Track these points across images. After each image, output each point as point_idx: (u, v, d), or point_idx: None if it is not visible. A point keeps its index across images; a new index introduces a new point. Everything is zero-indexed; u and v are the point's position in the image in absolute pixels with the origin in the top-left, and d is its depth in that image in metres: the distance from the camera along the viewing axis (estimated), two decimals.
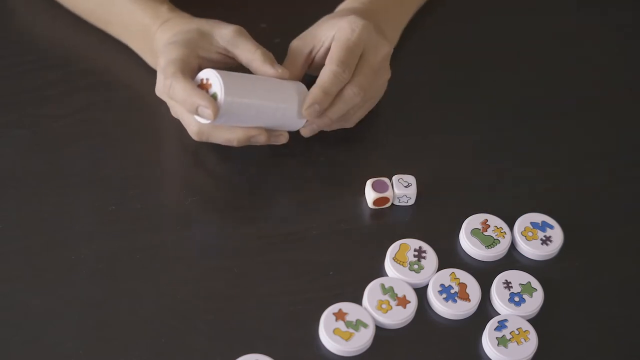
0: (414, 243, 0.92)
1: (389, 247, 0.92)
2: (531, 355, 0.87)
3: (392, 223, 0.95)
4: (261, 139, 0.92)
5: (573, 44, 1.13)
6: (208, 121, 0.88)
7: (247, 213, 0.95)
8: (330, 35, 0.95)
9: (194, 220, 0.94)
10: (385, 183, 0.95)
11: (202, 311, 0.87)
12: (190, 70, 0.91)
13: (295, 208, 0.95)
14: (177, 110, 0.94)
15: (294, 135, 0.99)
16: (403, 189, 0.95)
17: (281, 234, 0.93)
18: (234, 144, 0.92)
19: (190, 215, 0.94)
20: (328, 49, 0.95)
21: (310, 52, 0.97)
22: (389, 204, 0.96)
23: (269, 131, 0.93)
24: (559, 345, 0.88)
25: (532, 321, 0.89)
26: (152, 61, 1.01)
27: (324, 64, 0.94)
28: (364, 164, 0.98)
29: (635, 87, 1.10)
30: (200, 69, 0.91)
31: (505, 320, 0.88)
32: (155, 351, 0.85)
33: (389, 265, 0.91)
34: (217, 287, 0.89)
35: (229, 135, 0.91)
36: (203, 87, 0.89)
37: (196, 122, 0.91)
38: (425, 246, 0.92)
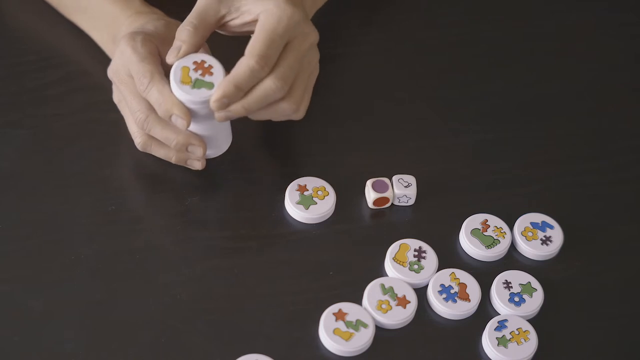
0: (414, 243, 0.92)
1: (389, 247, 0.92)
2: (531, 355, 0.87)
3: (392, 223, 0.95)
4: (198, 152, 0.90)
5: (573, 44, 1.13)
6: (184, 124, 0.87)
7: (247, 213, 0.95)
8: (253, 10, 0.89)
9: (193, 220, 0.94)
10: (385, 183, 0.95)
11: (202, 311, 0.87)
12: (161, 67, 0.89)
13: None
14: (124, 114, 0.93)
15: (295, 135, 1.00)
16: (403, 189, 0.95)
17: (281, 234, 0.93)
18: (172, 160, 0.92)
19: (190, 214, 0.94)
20: (244, 23, 0.90)
21: (225, 14, 0.90)
22: (389, 204, 0.96)
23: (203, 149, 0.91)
24: (559, 345, 0.88)
25: (532, 321, 0.89)
26: (113, 50, 0.97)
27: (234, 32, 0.91)
28: (364, 164, 0.98)
29: (635, 86, 1.10)
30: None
31: (505, 320, 0.88)
32: (155, 351, 0.85)
33: (389, 265, 0.91)
34: (217, 287, 0.89)
35: (169, 134, 0.89)
36: (200, 68, 0.87)
37: (140, 133, 0.91)
38: (425, 246, 0.92)
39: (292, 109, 0.90)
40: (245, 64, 0.86)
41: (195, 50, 0.89)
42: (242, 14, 0.90)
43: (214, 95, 0.87)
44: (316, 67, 0.94)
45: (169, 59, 0.89)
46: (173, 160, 0.92)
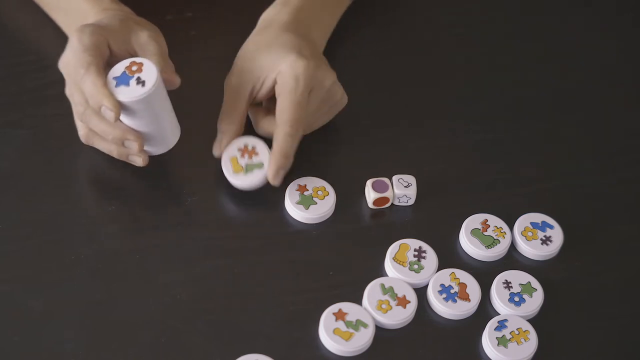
0: (414, 243, 0.92)
1: (389, 247, 0.92)
2: (531, 355, 0.87)
3: (392, 223, 0.95)
4: (134, 147, 0.90)
5: (573, 44, 1.13)
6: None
7: (247, 213, 0.95)
8: (270, 75, 0.94)
9: (194, 220, 0.94)
10: (385, 183, 0.95)
11: (202, 311, 0.87)
12: (103, 60, 0.90)
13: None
14: (73, 106, 0.93)
15: None
16: (403, 189, 0.95)
17: (281, 234, 0.93)
18: (114, 154, 0.92)
19: (190, 215, 0.94)
20: (270, 89, 0.94)
21: (252, 91, 0.95)
22: (389, 204, 0.96)
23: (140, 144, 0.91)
24: (559, 345, 0.88)
25: (532, 321, 0.89)
26: None
27: (262, 102, 0.96)
28: (364, 164, 0.98)
29: (635, 86, 1.10)
30: (109, 58, 0.91)
31: (505, 320, 0.88)
32: (155, 351, 0.85)
33: (389, 265, 0.91)
34: (217, 287, 0.89)
35: (106, 127, 0.90)
36: (245, 152, 0.92)
37: (82, 126, 0.92)
38: (425, 246, 0.92)
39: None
40: (283, 134, 0.91)
41: (236, 136, 0.94)
42: (263, 82, 0.94)
43: (270, 173, 0.92)
44: (341, 100, 0.98)
45: (215, 152, 0.94)
46: (115, 154, 0.92)
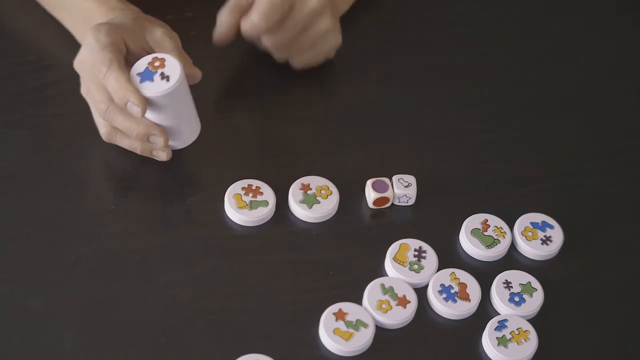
0: (414, 243, 0.92)
1: (389, 247, 0.92)
2: (531, 355, 0.87)
3: (392, 223, 0.95)
4: (159, 142, 0.91)
5: (573, 44, 1.13)
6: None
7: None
8: None
9: (194, 220, 0.94)
10: (385, 183, 0.95)
11: (202, 311, 0.87)
12: (122, 57, 0.90)
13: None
14: (91, 106, 0.93)
15: (295, 135, 1.00)
16: (403, 189, 0.95)
17: (281, 234, 0.93)
18: (138, 151, 0.93)
19: (190, 215, 0.94)
20: None
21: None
22: (389, 204, 0.96)
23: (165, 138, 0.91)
24: (559, 345, 0.88)
25: (532, 321, 0.89)
26: None
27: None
28: (364, 164, 0.98)
29: (635, 86, 1.10)
30: (127, 56, 0.92)
31: (505, 320, 0.88)
32: (155, 351, 0.85)
33: (389, 265, 0.91)
34: (217, 287, 0.89)
35: (130, 124, 0.90)
36: (249, 191, 0.94)
37: (104, 124, 0.92)
38: (425, 246, 0.92)
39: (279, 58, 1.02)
40: (252, 14, 0.96)
41: (233, 28, 0.98)
42: None
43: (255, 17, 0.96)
44: (328, 35, 1.00)
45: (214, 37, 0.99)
46: (138, 150, 0.93)
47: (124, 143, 0.93)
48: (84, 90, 0.94)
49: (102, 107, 0.91)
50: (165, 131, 0.91)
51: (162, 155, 0.93)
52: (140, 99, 0.87)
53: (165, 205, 0.95)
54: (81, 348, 0.85)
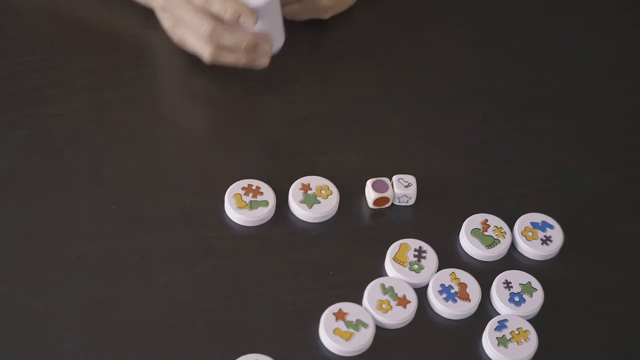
0: (414, 243, 0.92)
1: (389, 247, 0.92)
2: (531, 355, 0.87)
3: (392, 223, 0.95)
4: (267, 47, 0.97)
5: (573, 44, 1.13)
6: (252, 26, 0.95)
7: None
8: None
9: (194, 220, 0.94)
10: (385, 183, 0.95)
11: (202, 311, 0.87)
12: None
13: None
14: (183, 36, 0.97)
15: (295, 135, 1.00)
16: (403, 189, 0.95)
17: (281, 234, 0.93)
18: (241, 63, 0.97)
19: (190, 215, 0.94)
20: None
21: None
22: (389, 204, 0.96)
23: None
24: (559, 345, 0.88)
25: (532, 321, 0.89)
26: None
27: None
28: (364, 164, 0.98)
29: (635, 86, 1.10)
30: None
31: (505, 320, 0.88)
32: (155, 351, 0.85)
33: (389, 265, 0.91)
34: (217, 287, 0.89)
35: (239, 37, 0.96)
36: (249, 191, 0.94)
37: (208, 45, 0.96)
38: (425, 246, 0.92)
39: None
40: None
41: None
42: None
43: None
44: None
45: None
46: (242, 62, 0.98)
47: (230, 59, 0.98)
48: (168, 24, 0.99)
49: (207, 28, 0.95)
50: (270, 37, 0.98)
51: (265, 61, 0.99)
52: (252, 11, 0.94)
53: (165, 205, 0.95)
54: (81, 348, 0.84)
